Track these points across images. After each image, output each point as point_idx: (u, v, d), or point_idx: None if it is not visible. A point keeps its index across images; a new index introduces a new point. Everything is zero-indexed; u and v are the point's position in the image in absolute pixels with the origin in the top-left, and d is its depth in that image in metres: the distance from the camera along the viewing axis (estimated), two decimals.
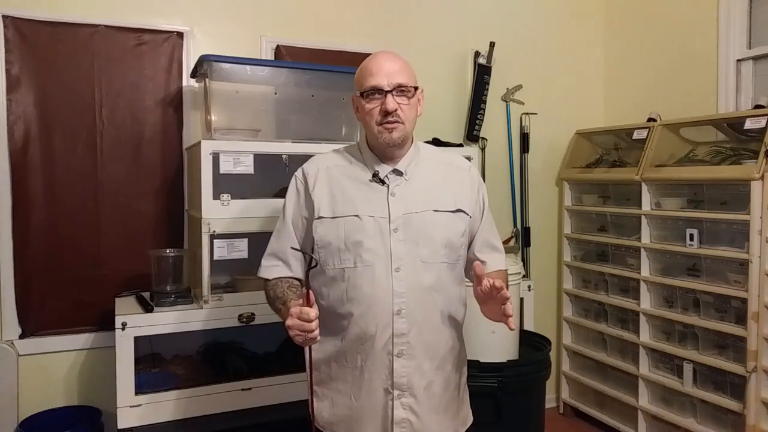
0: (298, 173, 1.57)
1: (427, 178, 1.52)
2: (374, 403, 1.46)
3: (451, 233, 1.49)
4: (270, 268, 1.56)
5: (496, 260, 1.60)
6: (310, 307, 1.31)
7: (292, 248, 1.53)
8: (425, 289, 1.45)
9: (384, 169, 1.49)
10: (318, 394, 1.55)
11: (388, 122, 1.43)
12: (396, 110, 1.42)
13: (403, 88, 1.44)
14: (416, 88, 1.48)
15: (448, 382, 1.53)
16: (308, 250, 1.51)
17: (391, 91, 1.42)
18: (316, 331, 1.31)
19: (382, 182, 1.49)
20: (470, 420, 1.64)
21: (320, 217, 1.48)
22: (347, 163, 1.54)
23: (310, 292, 1.35)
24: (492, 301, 1.36)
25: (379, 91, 1.43)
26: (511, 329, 1.36)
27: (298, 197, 1.55)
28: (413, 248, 1.44)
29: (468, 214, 1.53)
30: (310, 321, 1.29)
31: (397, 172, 1.50)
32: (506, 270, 1.63)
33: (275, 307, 1.51)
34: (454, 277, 1.52)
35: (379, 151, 1.50)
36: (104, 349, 2.60)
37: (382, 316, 1.43)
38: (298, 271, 1.55)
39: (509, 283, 2.48)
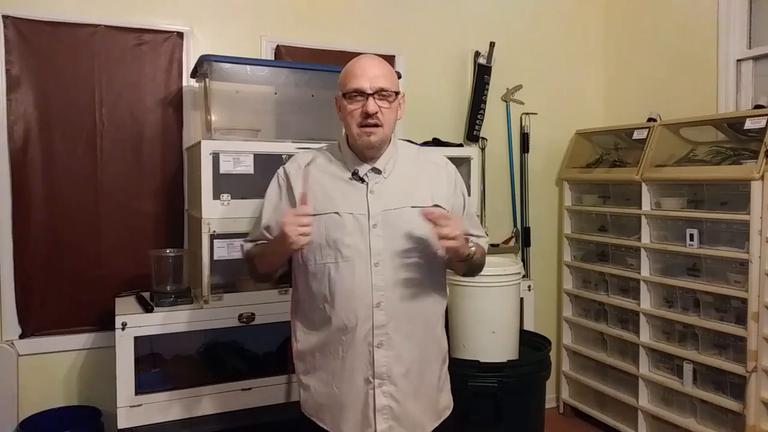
0: (280, 171, 1.62)
1: (405, 176, 1.57)
2: (356, 392, 1.52)
3: (428, 228, 1.52)
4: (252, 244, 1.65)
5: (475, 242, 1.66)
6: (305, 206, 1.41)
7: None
8: (404, 283, 1.51)
9: (363, 168, 1.54)
10: (304, 383, 1.61)
11: (367, 125, 1.48)
12: (376, 113, 1.47)
13: (384, 93, 1.48)
14: (397, 93, 1.53)
15: (427, 370, 1.58)
16: None
17: (372, 95, 1.47)
18: (310, 228, 1.38)
19: (362, 180, 1.54)
20: (450, 407, 1.69)
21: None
22: (327, 162, 1.58)
23: (307, 194, 1.44)
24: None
25: (361, 94, 1.47)
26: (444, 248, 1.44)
27: (279, 194, 1.60)
28: (392, 244, 1.50)
29: (445, 209, 1.57)
30: (305, 215, 1.38)
31: (376, 171, 1.55)
32: (484, 247, 1.69)
33: (261, 253, 1.59)
34: (433, 270, 1.57)
35: (359, 150, 1.54)
36: (104, 349, 2.59)
37: (362, 309, 1.48)
38: None
39: (509, 283, 2.51)
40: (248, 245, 1.65)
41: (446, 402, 1.67)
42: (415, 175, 1.59)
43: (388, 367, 1.50)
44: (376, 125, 1.48)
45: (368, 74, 1.47)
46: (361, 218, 1.49)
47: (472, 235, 1.67)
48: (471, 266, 1.62)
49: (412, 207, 1.53)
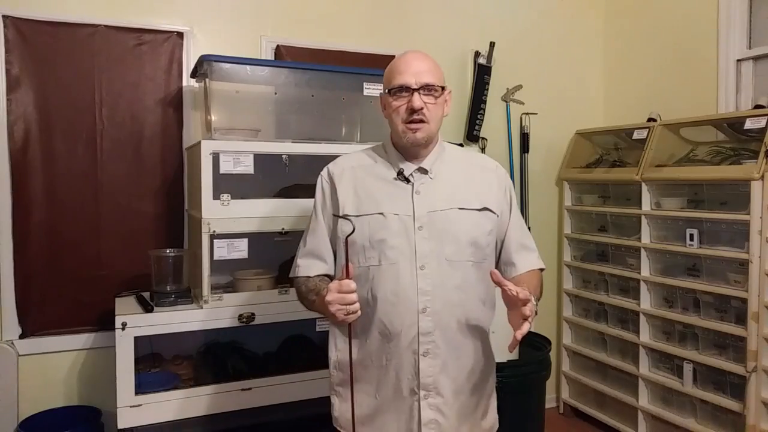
0: (324, 172, 1.58)
1: (453, 177, 1.51)
2: (399, 404, 1.45)
3: (476, 231, 1.48)
4: (308, 267, 1.55)
5: (527, 260, 1.57)
6: (350, 279, 1.31)
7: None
8: (451, 288, 1.44)
9: (409, 168, 1.49)
10: (341, 394, 1.54)
11: (413, 121, 1.43)
12: (422, 108, 1.42)
13: (430, 88, 1.43)
14: (443, 88, 1.48)
15: (475, 383, 1.51)
16: (335, 246, 1.53)
17: (418, 90, 1.42)
18: (357, 304, 1.30)
19: (407, 180, 1.48)
20: (496, 426, 1.61)
21: (345, 215, 1.47)
22: (372, 162, 1.54)
23: (350, 264, 1.34)
24: (515, 311, 1.31)
25: (406, 89, 1.43)
26: (516, 342, 1.29)
27: (323, 196, 1.55)
28: (438, 246, 1.43)
29: (495, 213, 1.52)
30: (351, 292, 1.29)
31: (422, 171, 1.49)
32: (540, 269, 1.59)
33: (308, 300, 1.51)
34: (481, 276, 1.49)
35: (404, 149, 1.50)
36: (104, 349, 2.60)
37: (408, 315, 1.42)
38: (332, 267, 1.55)
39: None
40: (299, 269, 1.55)
41: (493, 421, 1.59)
42: (462, 177, 1.53)
43: (434, 378, 1.43)
44: (421, 121, 1.43)
45: (413, 69, 1.43)
46: (407, 219, 1.44)
47: (524, 246, 1.57)
48: None
49: (460, 209, 1.47)
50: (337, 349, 1.54)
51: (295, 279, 1.56)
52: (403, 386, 1.44)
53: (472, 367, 1.50)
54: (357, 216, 1.46)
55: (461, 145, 3.18)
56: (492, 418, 1.59)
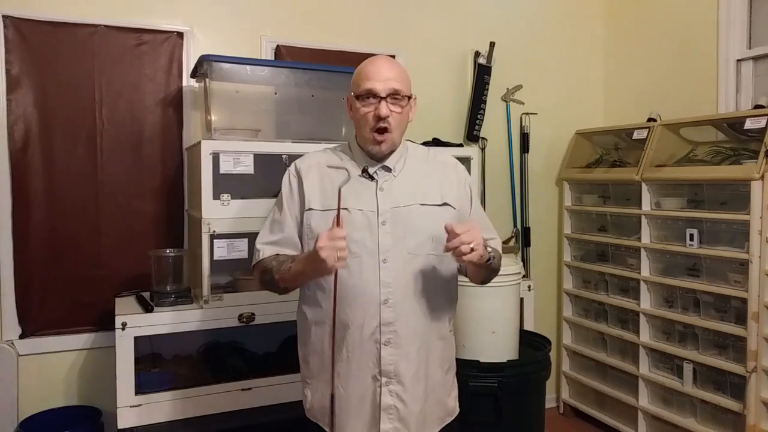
0: (291, 168, 1.62)
1: (415, 174, 1.58)
2: (362, 391, 1.50)
3: (437, 226, 1.52)
4: (276, 250, 1.57)
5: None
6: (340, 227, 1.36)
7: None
8: (412, 280, 1.50)
9: (373, 165, 1.55)
10: (312, 386, 1.59)
11: (379, 129, 1.48)
12: (388, 116, 1.48)
13: (397, 96, 1.49)
14: (410, 97, 1.53)
15: (434, 371, 1.57)
16: (302, 241, 1.57)
17: (385, 98, 1.47)
18: (346, 250, 1.34)
19: (371, 177, 1.54)
20: (456, 411, 1.67)
21: (310, 209, 1.53)
22: (338, 160, 1.59)
23: (341, 214, 1.38)
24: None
25: (374, 96, 1.47)
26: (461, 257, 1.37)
27: (291, 191, 1.59)
28: (400, 241, 1.50)
29: (454, 208, 1.58)
30: (342, 238, 1.33)
31: (386, 168, 1.55)
32: (498, 250, 1.66)
33: (281, 270, 1.50)
34: (442, 269, 1.56)
35: (369, 150, 1.55)
36: (104, 349, 2.60)
37: (369, 306, 1.47)
38: None
39: (509, 283, 2.51)
40: (265, 251, 1.58)
41: (452, 406, 1.66)
42: (424, 174, 1.59)
43: (395, 365, 1.49)
44: (386, 130, 1.48)
45: (382, 76, 1.48)
46: (370, 215, 1.49)
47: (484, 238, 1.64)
48: (489, 272, 1.58)
49: (421, 205, 1.53)
50: (300, 341, 1.60)
51: (261, 261, 1.58)
52: (366, 374, 1.50)
53: (432, 356, 1.56)
54: (322, 210, 1.51)
55: (461, 145, 3.17)
56: (452, 404, 1.65)
